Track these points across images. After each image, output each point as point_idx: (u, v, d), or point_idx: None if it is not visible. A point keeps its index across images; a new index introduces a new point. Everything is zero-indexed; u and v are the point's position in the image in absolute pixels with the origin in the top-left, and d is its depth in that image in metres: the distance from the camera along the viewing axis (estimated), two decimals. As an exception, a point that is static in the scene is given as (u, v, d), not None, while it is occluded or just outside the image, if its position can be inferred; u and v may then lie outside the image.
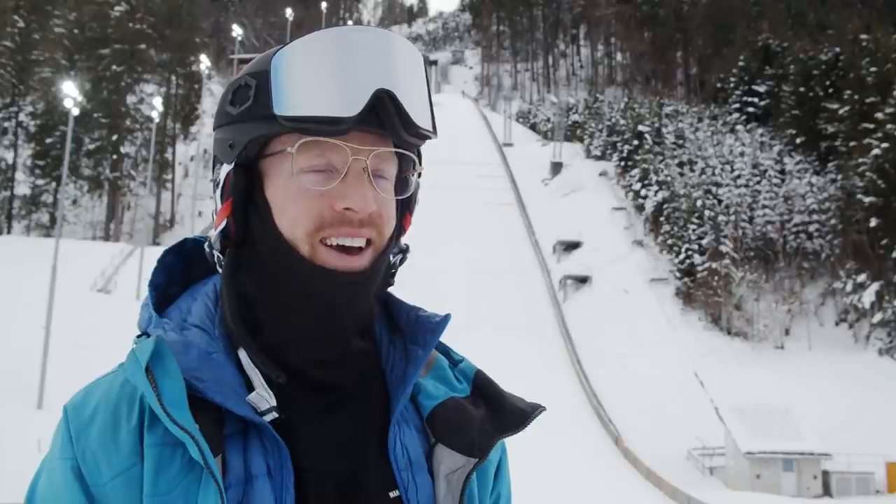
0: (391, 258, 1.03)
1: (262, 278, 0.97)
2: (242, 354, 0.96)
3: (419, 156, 1.01)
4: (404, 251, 1.05)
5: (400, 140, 0.95)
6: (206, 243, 1.01)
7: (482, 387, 1.05)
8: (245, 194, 0.96)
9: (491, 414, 1.02)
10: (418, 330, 1.04)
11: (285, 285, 0.95)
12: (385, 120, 0.92)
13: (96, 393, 0.94)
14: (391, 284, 1.05)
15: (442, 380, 1.05)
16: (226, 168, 0.97)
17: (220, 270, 1.00)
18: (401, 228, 1.04)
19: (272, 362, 0.94)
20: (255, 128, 0.93)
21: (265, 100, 0.91)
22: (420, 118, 0.95)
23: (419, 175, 1.02)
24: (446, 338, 1.10)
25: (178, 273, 1.05)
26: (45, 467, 0.95)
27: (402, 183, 1.00)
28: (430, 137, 0.98)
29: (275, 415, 0.92)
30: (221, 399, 0.90)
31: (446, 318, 1.06)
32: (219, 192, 0.99)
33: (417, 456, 0.98)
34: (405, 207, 1.04)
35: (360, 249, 0.94)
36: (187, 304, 1.01)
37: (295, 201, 0.93)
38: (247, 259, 0.98)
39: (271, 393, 0.93)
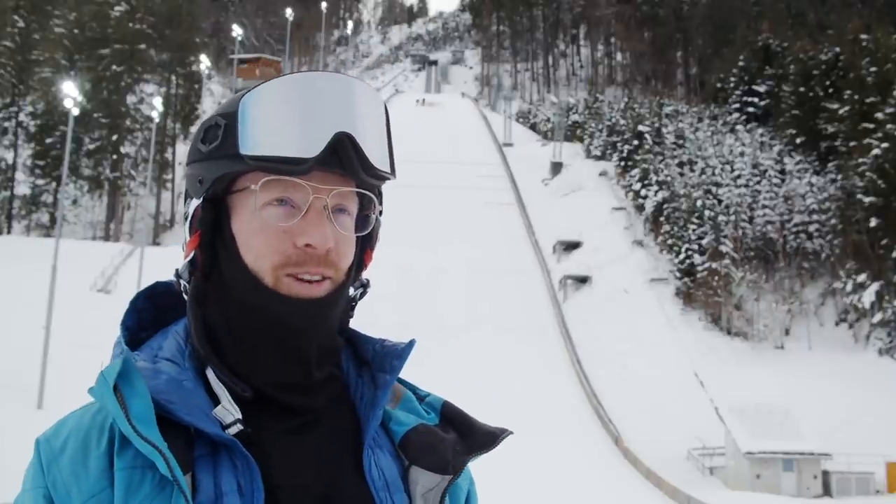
0: (351, 291, 1.08)
1: (226, 306, 1.01)
2: (210, 373, 0.99)
3: (380, 196, 1.07)
4: (365, 286, 1.11)
5: (360, 180, 1.00)
6: (175, 272, 1.05)
7: (450, 416, 1.10)
8: (212, 228, 1.01)
9: (461, 438, 1.07)
10: (385, 358, 1.09)
11: (249, 311, 0.99)
12: (345, 161, 0.97)
13: (68, 424, 0.96)
14: (351, 317, 1.11)
15: (411, 410, 1.09)
16: (195, 202, 1.02)
17: (186, 298, 1.04)
18: (361, 263, 1.09)
19: (238, 379, 0.99)
20: (222, 165, 0.98)
21: (232, 139, 0.97)
22: (378, 160, 1.00)
23: (380, 213, 1.07)
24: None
25: (147, 318, 1.09)
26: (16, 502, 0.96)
27: (362, 220, 1.05)
28: (388, 178, 1.04)
29: (240, 427, 0.95)
30: (191, 418, 0.92)
31: (411, 343, 1.12)
32: (188, 224, 1.03)
33: (394, 478, 1.01)
34: (366, 243, 1.09)
35: (319, 281, 0.98)
36: (158, 343, 1.05)
37: (259, 236, 0.98)
38: (213, 289, 1.02)
39: (236, 407, 0.96)
